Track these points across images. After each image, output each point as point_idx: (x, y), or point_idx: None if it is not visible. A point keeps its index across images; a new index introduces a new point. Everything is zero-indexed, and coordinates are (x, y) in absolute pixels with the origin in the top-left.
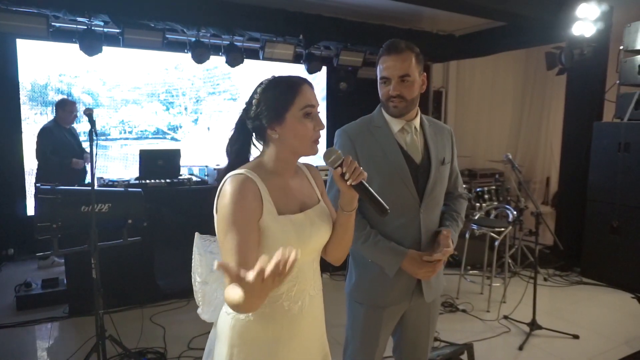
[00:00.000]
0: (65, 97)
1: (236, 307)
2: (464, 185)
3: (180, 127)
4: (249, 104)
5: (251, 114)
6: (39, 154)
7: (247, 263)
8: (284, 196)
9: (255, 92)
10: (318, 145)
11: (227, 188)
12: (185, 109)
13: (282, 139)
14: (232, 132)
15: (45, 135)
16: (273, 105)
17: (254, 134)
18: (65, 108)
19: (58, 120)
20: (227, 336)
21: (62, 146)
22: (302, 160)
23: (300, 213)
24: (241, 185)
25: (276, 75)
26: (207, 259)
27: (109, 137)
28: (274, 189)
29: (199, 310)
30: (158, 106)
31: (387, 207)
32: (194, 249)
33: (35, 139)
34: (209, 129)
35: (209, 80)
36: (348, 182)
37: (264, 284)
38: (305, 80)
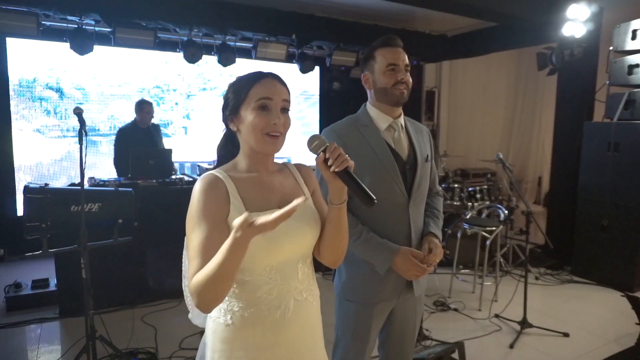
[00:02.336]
0: (143, 98)
1: (208, 284)
2: (456, 185)
3: (171, 123)
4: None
5: (222, 111)
6: (115, 156)
7: (206, 259)
8: (257, 193)
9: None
10: (277, 142)
11: (195, 188)
12: (176, 104)
13: (240, 132)
14: (221, 137)
15: (118, 136)
16: (232, 97)
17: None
18: (142, 108)
19: (136, 121)
20: (210, 341)
21: (135, 146)
22: (296, 160)
23: (276, 210)
24: (207, 184)
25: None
26: None
27: (98, 132)
28: (245, 186)
29: (190, 315)
30: None
31: (374, 197)
32: (184, 252)
33: None
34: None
35: (200, 76)
36: (331, 169)
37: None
38: (269, 74)
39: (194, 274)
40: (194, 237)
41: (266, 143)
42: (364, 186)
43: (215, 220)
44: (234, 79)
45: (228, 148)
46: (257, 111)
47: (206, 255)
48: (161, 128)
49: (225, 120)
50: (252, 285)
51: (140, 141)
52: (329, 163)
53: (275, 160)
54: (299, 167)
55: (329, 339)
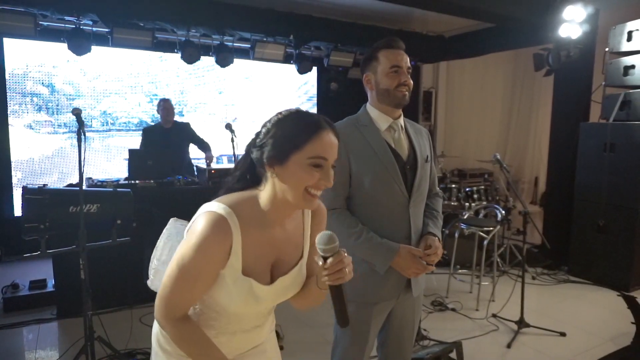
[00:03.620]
0: (163, 96)
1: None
2: (454, 185)
3: None
4: (260, 131)
5: (257, 141)
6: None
7: (178, 306)
8: (258, 251)
9: (270, 119)
10: (316, 201)
11: (199, 225)
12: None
13: (278, 179)
14: (241, 157)
15: (142, 135)
16: (281, 140)
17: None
18: (158, 106)
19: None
20: (154, 340)
21: (152, 147)
22: None
23: (269, 285)
24: (212, 232)
25: (301, 110)
26: (172, 245)
27: (91, 128)
28: (251, 244)
29: (149, 282)
30: (141, 98)
31: (349, 322)
32: (164, 232)
33: None
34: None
35: (194, 72)
36: (323, 279)
37: None
38: (327, 126)
39: (165, 314)
40: (176, 278)
41: (305, 200)
42: (346, 308)
43: (206, 280)
44: (285, 117)
45: (246, 181)
46: (309, 167)
47: (179, 306)
48: (190, 125)
49: (264, 160)
50: (216, 322)
51: (155, 141)
52: (324, 274)
53: None
54: (313, 213)
55: (328, 339)
